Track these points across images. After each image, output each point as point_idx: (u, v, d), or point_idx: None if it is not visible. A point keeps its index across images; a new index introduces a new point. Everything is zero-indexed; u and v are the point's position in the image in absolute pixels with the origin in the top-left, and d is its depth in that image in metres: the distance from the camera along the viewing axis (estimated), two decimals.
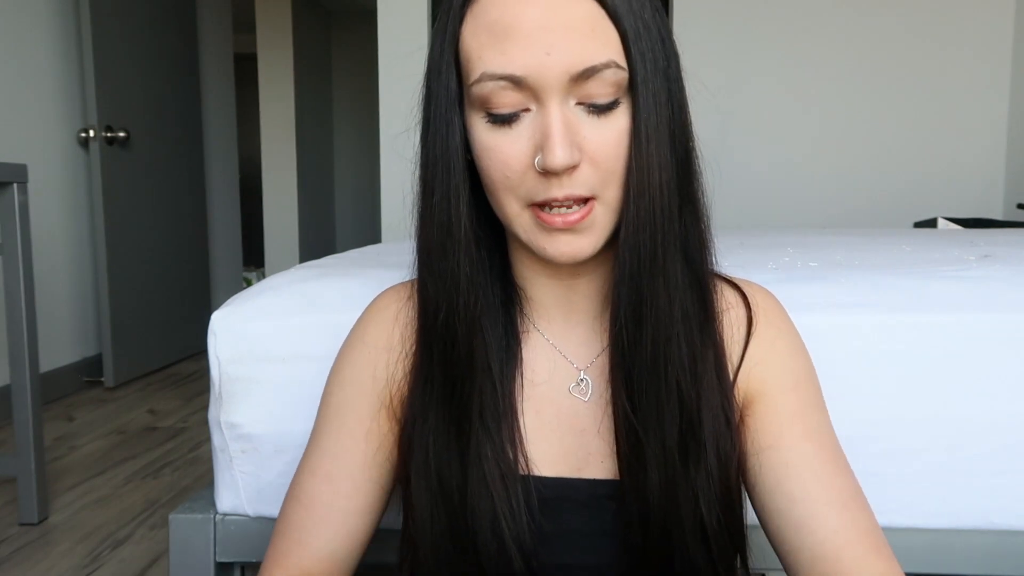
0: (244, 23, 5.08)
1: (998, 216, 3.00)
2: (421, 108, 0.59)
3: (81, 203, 3.04)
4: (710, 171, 0.61)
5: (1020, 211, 2.80)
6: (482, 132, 0.55)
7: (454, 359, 0.59)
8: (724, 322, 0.62)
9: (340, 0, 5.68)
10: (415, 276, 0.62)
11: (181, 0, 3.57)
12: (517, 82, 0.52)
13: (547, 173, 0.53)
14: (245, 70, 5.17)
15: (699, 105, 0.63)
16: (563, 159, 0.52)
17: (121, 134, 3.02)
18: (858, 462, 0.83)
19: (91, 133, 2.90)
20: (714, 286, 0.62)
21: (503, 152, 0.54)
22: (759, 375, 0.62)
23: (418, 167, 0.59)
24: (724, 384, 0.60)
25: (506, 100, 0.53)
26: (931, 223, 2.52)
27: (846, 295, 0.86)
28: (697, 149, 0.59)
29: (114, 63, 3.00)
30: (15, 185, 1.64)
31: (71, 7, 2.97)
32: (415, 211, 0.60)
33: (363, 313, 0.68)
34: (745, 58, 3.07)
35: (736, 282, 0.66)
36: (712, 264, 0.62)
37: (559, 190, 0.53)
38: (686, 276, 0.58)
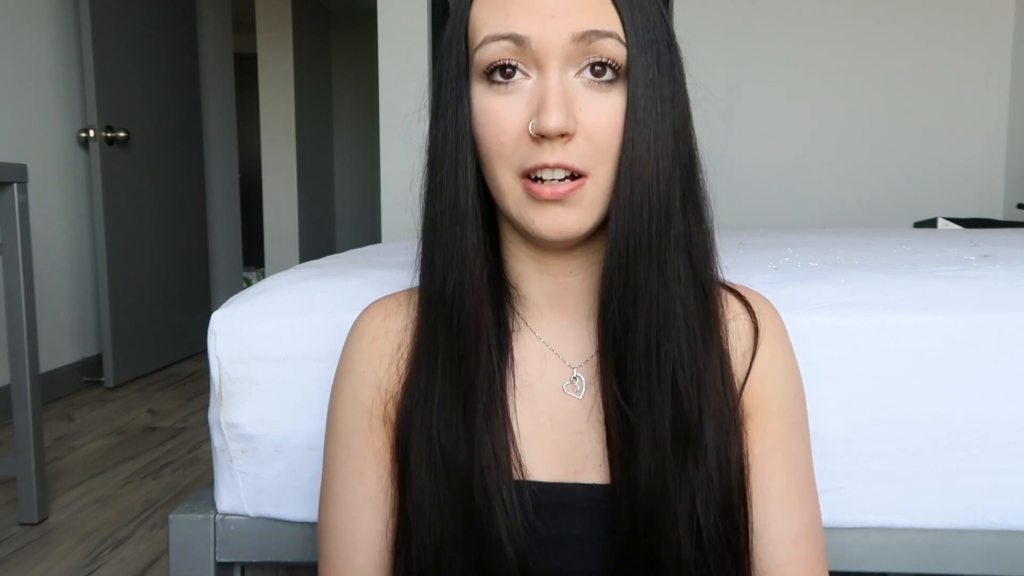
0: (244, 23, 5.08)
1: (998, 216, 3.00)
2: (431, 91, 0.60)
3: (81, 203, 3.04)
4: (713, 175, 0.61)
5: (1020, 211, 2.80)
6: (482, 97, 0.56)
7: (460, 331, 0.58)
8: (731, 331, 0.62)
9: (340, 0, 5.68)
10: (419, 256, 0.62)
11: (181, 0, 3.57)
12: (519, 41, 0.53)
13: (540, 138, 0.53)
14: (245, 70, 5.17)
15: (702, 111, 0.63)
16: (557, 122, 0.52)
17: (121, 134, 3.02)
18: (858, 462, 0.83)
19: (91, 133, 2.90)
20: (719, 294, 0.62)
21: (499, 116, 0.55)
22: (758, 391, 0.62)
23: (426, 150, 0.60)
24: (728, 391, 0.60)
25: (507, 59, 0.54)
26: (931, 223, 2.52)
27: (846, 295, 0.86)
28: (701, 159, 0.59)
29: (114, 63, 3.00)
30: (15, 185, 1.64)
31: (71, 7, 2.97)
32: (421, 191, 0.60)
33: (352, 330, 0.67)
34: (745, 58, 3.08)
35: (739, 291, 0.66)
36: (717, 271, 0.61)
37: (552, 156, 0.53)
38: (688, 274, 0.57)
